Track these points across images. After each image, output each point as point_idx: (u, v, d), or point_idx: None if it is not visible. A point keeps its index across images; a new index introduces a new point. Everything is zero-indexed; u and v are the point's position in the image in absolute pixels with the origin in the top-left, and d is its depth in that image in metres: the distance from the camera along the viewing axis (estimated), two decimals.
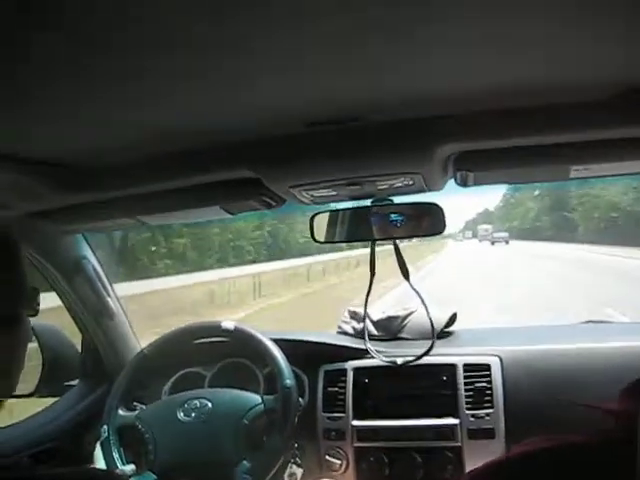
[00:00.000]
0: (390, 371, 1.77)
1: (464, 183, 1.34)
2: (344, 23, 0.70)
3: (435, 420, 1.71)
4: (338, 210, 1.50)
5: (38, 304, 0.91)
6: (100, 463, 1.67)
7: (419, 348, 1.74)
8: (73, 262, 1.76)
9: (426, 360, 1.74)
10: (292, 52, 0.79)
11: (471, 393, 1.71)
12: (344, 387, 1.80)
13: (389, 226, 1.46)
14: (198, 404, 1.67)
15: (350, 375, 1.81)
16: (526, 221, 44.25)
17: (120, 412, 1.71)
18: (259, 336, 1.74)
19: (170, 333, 1.83)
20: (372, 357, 1.78)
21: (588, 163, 1.22)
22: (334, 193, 1.35)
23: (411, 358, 1.75)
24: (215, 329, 1.79)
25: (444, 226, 1.43)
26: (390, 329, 1.98)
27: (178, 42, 0.71)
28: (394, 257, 1.59)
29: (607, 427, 1.61)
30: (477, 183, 1.35)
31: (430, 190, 1.38)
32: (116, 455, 1.64)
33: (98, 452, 1.70)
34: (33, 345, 1.55)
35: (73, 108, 0.93)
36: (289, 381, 1.66)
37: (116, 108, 0.95)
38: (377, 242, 1.54)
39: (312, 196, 1.36)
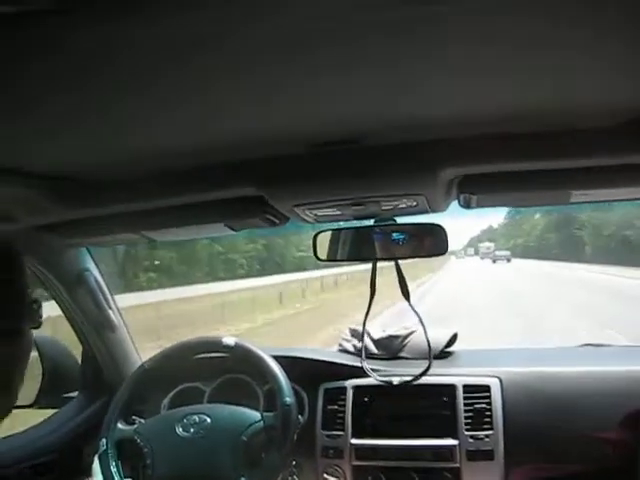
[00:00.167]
0: (390, 390, 1.77)
1: (467, 205, 1.35)
2: (344, 51, 0.71)
3: (434, 441, 1.71)
4: (341, 229, 1.51)
5: (41, 316, 0.92)
6: (98, 476, 1.67)
7: (419, 368, 1.74)
8: (76, 274, 1.76)
9: (426, 380, 1.74)
10: (297, 75, 0.79)
11: (470, 414, 1.70)
12: (344, 405, 1.80)
13: (391, 245, 1.47)
14: (197, 419, 1.67)
15: (350, 393, 1.80)
16: (531, 238, 43.53)
17: (119, 426, 1.71)
18: (259, 353, 1.74)
19: (170, 348, 1.83)
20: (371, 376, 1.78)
21: (589, 188, 1.23)
22: (338, 212, 1.36)
23: (408, 378, 1.75)
24: (216, 345, 1.79)
25: (447, 247, 1.44)
26: (390, 348, 1.98)
27: (183, 59, 0.72)
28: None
29: (605, 453, 1.62)
30: (480, 205, 1.35)
31: (433, 211, 1.39)
32: (114, 469, 1.63)
33: (96, 465, 1.69)
34: (33, 355, 1.55)
35: (77, 123, 0.93)
36: (289, 398, 1.65)
37: (121, 124, 0.96)
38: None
39: (316, 215, 1.37)
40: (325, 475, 1.77)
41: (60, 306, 1.79)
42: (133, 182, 1.26)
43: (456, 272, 30.53)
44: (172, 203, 1.35)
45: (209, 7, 0.60)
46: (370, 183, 1.23)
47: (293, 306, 17.19)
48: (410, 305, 1.67)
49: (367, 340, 1.98)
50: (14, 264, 0.83)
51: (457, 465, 1.67)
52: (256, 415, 1.66)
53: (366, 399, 1.80)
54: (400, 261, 1.58)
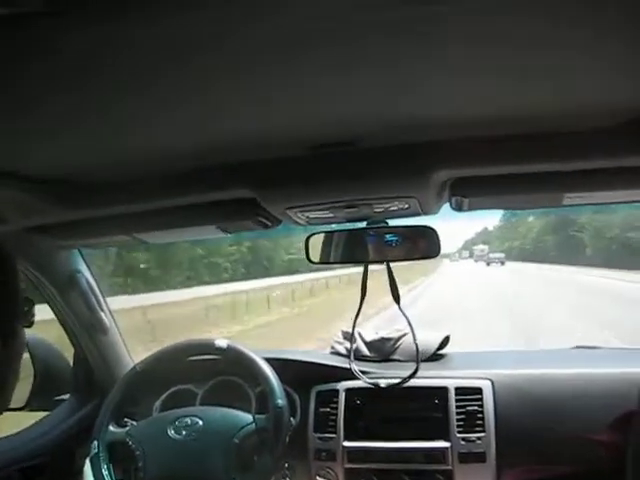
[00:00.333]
0: (382, 393, 1.77)
1: (459, 208, 1.35)
2: (343, 51, 0.71)
3: (426, 443, 1.71)
4: (333, 231, 1.51)
5: (33, 316, 0.92)
6: (89, 479, 1.66)
7: (410, 370, 1.74)
8: (68, 276, 1.76)
9: (418, 382, 1.74)
10: (291, 77, 0.80)
11: (462, 416, 1.70)
12: (336, 408, 1.80)
13: (384, 247, 1.48)
14: (189, 422, 1.67)
15: (342, 396, 1.80)
16: (527, 241, 42.29)
17: (111, 428, 1.70)
18: (252, 355, 1.74)
19: (163, 350, 1.82)
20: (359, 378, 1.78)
21: (584, 191, 1.23)
22: (330, 215, 1.36)
23: (395, 381, 1.75)
24: (208, 347, 1.79)
25: (439, 249, 1.45)
26: (382, 350, 1.99)
27: (181, 60, 0.72)
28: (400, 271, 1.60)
29: (596, 455, 1.62)
30: (472, 208, 1.36)
31: (425, 214, 1.40)
32: (105, 472, 1.62)
33: (88, 468, 1.69)
34: (25, 357, 1.55)
35: (72, 125, 0.93)
36: (281, 401, 1.65)
37: (115, 126, 0.96)
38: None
39: (308, 217, 1.37)
40: (318, 478, 1.77)
41: (52, 308, 1.78)
42: (126, 184, 1.26)
43: (449, 275, 30.42)
44: (164, 205, 1.35)
45: (208, 8, 0.60)
46: (362, 185, 1.23)
47: (280, 311, 16.61)
48: (400, 309, 1.67)
49: (359, 342, 1.98)
50: (6, 264, 0.83)
51: (449, 467, 1.67)
52: (248, 417, 1.66)
53: (358, 401, 1.80)
54: (392, 264, 1.59)
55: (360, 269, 1.62)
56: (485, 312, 12.84)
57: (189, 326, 11.80)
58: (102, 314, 1.85)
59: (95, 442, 1.67)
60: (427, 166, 1.15)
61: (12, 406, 0.92)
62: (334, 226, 1.51)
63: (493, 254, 40.93)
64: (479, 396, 1.72)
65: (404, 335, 1.99)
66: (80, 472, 1.78)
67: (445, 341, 1.99)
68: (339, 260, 1.56)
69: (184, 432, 1.65)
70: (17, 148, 1.01)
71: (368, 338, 2.02)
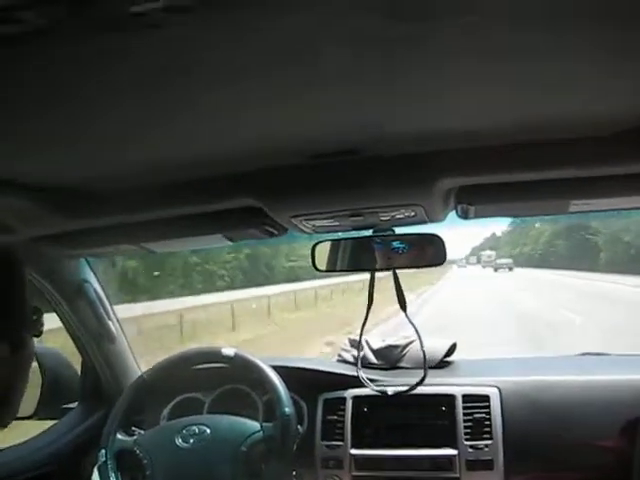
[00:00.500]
0: (389, 400, 1.76)
1: (465, 216, 1.35)
2: (345, 61, 0.71)
3: (434, 450, 1.70)
4: (340, 239, 1.51)
5: (42, 325, 0.92)
6: None
7: (417, 377, 1.74)
8: (76, 285, 1.76)
9: (425, 390, 1.74)
10: (296, 86, 0.80)
11: (470, 424, 1.70)
12: (343, 415, 1.79)
13: (391, 254, 1.48)
14: (197, 430, 1.67)
15: (349, 404, 1.80)
16: (538, 246, 41.24)
17: (118, 436, 1.70)
18: (259, 363, 1.73)
19: (170, 358, 1.83)
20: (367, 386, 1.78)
21: (589, 198, 1.23)
22: (336, 223, 1.36)
23: (403, 388, 1.75)
24: (215, 355, 1.79)
25: (445, 257, 1.45)
26: (390, 358, 1.98)
27: (179, 72, 0.72)
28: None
29: (604, 461, 1.62)
30: (478, 216, 1.36)
31: (431, 222, 1.40)
32: None
33: (95, 477, 1.69)
34: (33, 366, 1.55)
35: (75, 135, 0.93)
36: (288, 409, 1.65)
37: (117, 136, 0.96)
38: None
39: (314, 226, 1.37)
40: None
41: (60, 317, 1.78)
42: (131, 193, 1.26)
43: (455, 281, 30.28)
44: (170, 214, 1.35)
45: (207, 17, 0.60)
46: (368, 194, 1.23)
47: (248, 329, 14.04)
48: (406, 316, 1.67)
49: (366, 350, 1.98)
50: (14, 273, 0.83)
51: (457, 475, 1.67)
52: (256, 425, 1.66)
53: (365, 409, 1.79)
54: (397, 271, 1.59)
55: (355, 277, 1.62)
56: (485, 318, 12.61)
57: None
58: (110, 323, 1.86)
59: (103, 451, 1.67)
60: (431, 174, 1.15)
61: (20, 415, 0.92)
62: (340, 234, 1.51)
63: (500, 260, 40.76)
64: (486, 403, 1.71)
65: (411, 342, 1.98)
66: None
67: (452, 348, 1.99)
68: (346, 268, 1.56)
69: (192, 440, 1.65)
70: (15, 156, 1.01)
71: (375, 346, 2.02)
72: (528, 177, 1.17)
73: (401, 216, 1.33)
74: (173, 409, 1.88)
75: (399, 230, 1.45)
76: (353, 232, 1.47)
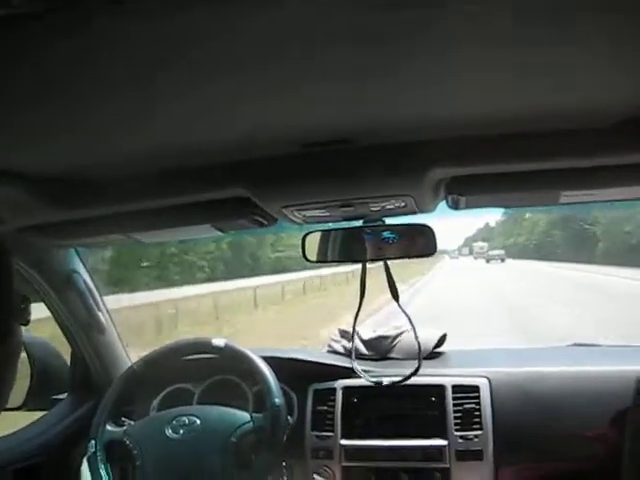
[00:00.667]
0: (379, 391, 1.77)
1: (455, 206, 1.34)
2: (340, 51, 0.71)
3: (424, 441, 1.71)
4: (330, 230, 1.51)
5: (29, 313, 0.91)
6: (87, 479, 1.66)
7: (408, 368, 1.74)
8: (64, 276, 1.75)
9: (415, 381, 1.74)
10: (288, 76, 0.79)
11: (460, 414, 1.71)
12: (333, 406, 1.80)
13: (381, 245, 1.47)
14: (187, 421, 1.67)
15: (339, 394, 1.80)
16: (533, 236, 40.85)
17: (108, 427, 1.70)
18: (249, 354, 1.73)
19: (160, 349, 1.82)
20: (361, 377, 1.78)
21: (579, 189, 1.23)
22: (327, 214, 1.36)
23: (397, 379, 1.75)
24: (205, 346, 1.79)
25: (435, 247, 1.44)
26: (380, 349, 1.99)
27: (174, 60, 0.72)
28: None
29: (593, 452, 1.63)
30: (468, 206, 1.35)
31: (421, 212, 1.39)
32: (103, 471, 1.62)
33: (85, 467, 1.69)
34: (21, 356, 1.55)
35: (66, 124, 0.93)
36: (278, 399, 1.65)
37: (110, 125, 0.95)
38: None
39: (304, 216, 1.36)
40: (315, 476, 1.77)
41: (49, 307, 1.78)
42: (121, 183, 1.25)
43: (447, 272, 30.27)
44: (159, 204, 1.34)
45: (204, 4, 0.59)
46: (358, 184, 1.22)
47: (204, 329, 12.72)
48: (399, 306, 1.67)
49: (357, 341, 1.98)
50: (2, 263, 0.83)
51: (447, 465, 1.68)
52: (245, 416, 1.66)
53: (355, 400, 1.80)
54: (389, 262, 1.58)
55: (346, 268, 1.62)
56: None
57: None
58: (99, 314, 1.85)
59: (92, 441, 1.67)
60: (422, 164, 1.14)
61: (9, 406, 0.92)
62: (331, 224, 1.51)
63: (492, 251, 40.96)
64: (476, 394, 1.72)
65: (402, 333, 1.99)
66: (77, 472, 1.77)
67: (442, 339, 1.99)
68: (336, 259, 1.55)
69: (181, 431, 1.65)
70: (11, 145, 1.00)
71: (366, 336, 2.02)
72: (519, 168, 1.16)
73: (391, 206, 1.33)
74: (163, 400, 1.87)
75: (389, 221, 1.45)
76: (343, 223, 1.47)
